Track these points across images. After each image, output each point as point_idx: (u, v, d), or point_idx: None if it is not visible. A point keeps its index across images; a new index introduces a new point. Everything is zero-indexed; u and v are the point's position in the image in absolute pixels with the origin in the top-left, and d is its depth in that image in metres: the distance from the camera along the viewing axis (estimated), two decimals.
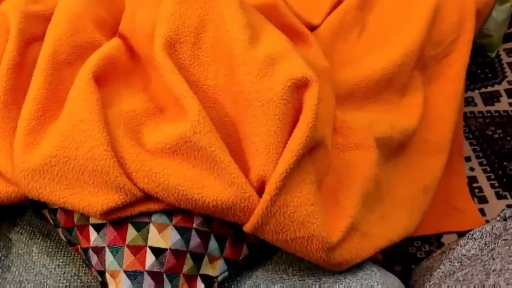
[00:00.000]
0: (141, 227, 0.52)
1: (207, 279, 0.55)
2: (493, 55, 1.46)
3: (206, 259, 0.54)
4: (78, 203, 0.50)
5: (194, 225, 0.53)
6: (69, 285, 0.57)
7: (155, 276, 0.51)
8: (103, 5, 0.66)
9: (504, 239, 0.55)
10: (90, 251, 0.54)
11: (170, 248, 0.52)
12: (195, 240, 0.53)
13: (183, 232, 0.52)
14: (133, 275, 0.51)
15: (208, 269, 0.55)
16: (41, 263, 0.58)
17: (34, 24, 0.59)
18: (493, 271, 0.50)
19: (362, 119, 0.69)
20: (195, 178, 0.50)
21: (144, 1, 0.63)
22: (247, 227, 0.52)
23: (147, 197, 0.51)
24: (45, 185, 0.49)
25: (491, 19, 1.31)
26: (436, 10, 0.87)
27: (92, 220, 0.53)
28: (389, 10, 0.87)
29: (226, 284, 0.58)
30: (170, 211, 0.53)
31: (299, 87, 0.53)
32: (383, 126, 0.71)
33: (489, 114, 1.29)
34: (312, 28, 0.82)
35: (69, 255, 0.60)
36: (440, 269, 0.62)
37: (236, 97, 0.55)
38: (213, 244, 0.54)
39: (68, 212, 0.55)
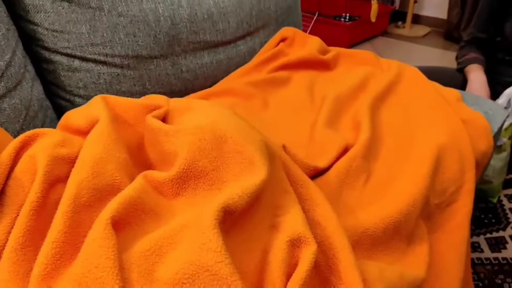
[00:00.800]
0: None
1: None
2: (495, 200, 1.50)
3: None
4: None
5: None
6: None
7: None
8: (126, 148, 0.70)
9: None
10: None
11: None
12: None
13: None
14: None
15: None
16: None
17: (60, 166, 0.62)
18: None
19: (371, 267, 0.68)
20: None
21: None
22: None
23: None
24: None
25: (490, 166, 1.36)
26: (438, 160, 0.92)
27: None
28: (393, 160, 0.92)
29: None
30: None
31: (296, 244, 0.60)
32: (391, 275, 0.71)
33: (496, 261, 1.28)
34: (318, 171, 0.86)
35: None
36: None
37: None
38: None
39: None
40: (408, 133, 1.00)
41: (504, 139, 1.40)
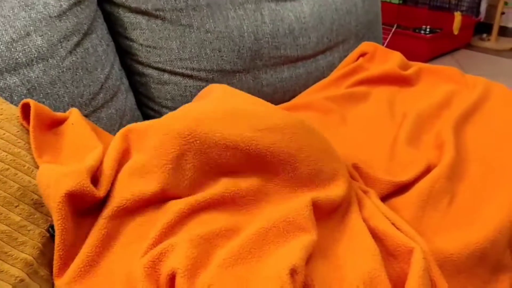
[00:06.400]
0: None
1: None
2: None
3: None
4: None
5: None
6: None
7: None
8: None
9: None
10: None
11: None
12: None
13: None
14: None
15: None
16: None
17: None
18: None
19: None
20: None
21: None
22: None
23: None
24: None
25: None
26: None
27: None
28: (479, 183, 0.88)
29: None
30: None
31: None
32: None
33: None
34: (399, 187, 0.85)
35: None
36: None
37: None
38: None
39: None
40: (495, 155, 0.95)
41: None
